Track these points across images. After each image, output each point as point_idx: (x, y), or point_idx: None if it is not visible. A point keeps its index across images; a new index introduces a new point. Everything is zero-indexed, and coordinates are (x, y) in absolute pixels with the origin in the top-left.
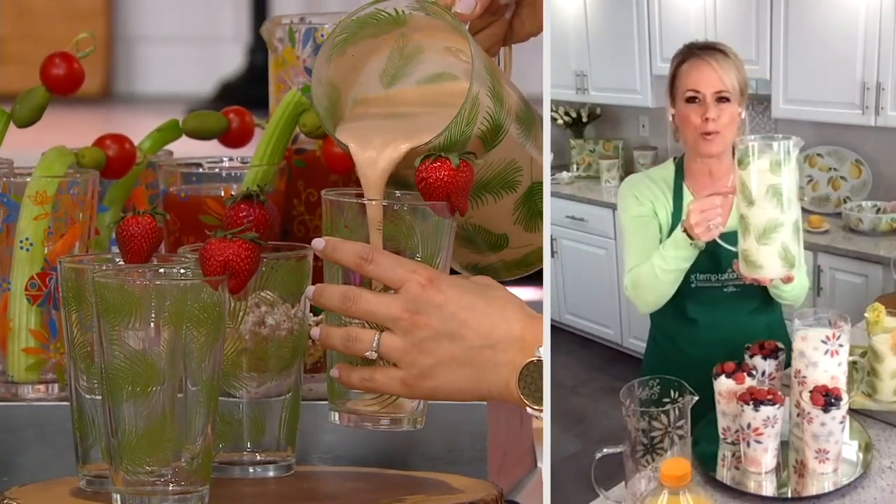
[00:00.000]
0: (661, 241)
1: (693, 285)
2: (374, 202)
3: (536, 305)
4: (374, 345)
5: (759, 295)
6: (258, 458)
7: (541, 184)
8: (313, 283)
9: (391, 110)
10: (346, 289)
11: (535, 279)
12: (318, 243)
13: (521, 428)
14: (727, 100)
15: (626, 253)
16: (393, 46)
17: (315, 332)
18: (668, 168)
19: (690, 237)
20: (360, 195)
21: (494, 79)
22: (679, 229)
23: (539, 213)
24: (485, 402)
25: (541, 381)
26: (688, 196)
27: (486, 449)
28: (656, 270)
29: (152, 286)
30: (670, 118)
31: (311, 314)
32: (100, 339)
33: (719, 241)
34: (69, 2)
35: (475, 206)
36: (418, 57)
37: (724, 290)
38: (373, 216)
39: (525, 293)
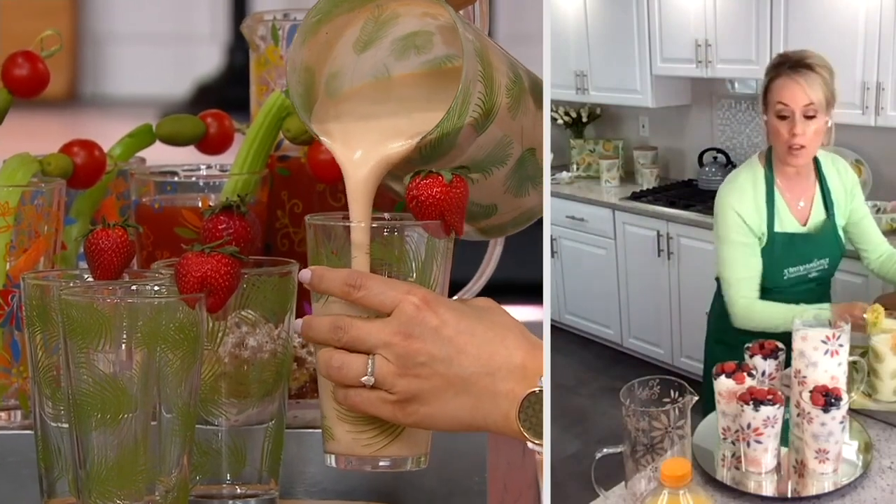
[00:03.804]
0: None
1: (785, 277)
2: (360, 225)
3: (538, 326)
4: (370, 370)
5: (830, 274)
6: (238, 490)
7: (531, 150)
8: (299, 301)
9: (378, 98)
10: (334, 318)
11: (535, 293)
12: (305, 275)
13: (522, 459)
14: (814, 114)
15: (731, 273)
16: (368, 17)
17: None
18: (756, 168)
19: None
20: (347, 217)
21: (484, 59)
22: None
23: (529, 179)
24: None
25: (542, 413)
26: (780, 200)
27: (486, 482)
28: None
29: (123, 305)
30: (763, 123)
31: (296, 335)
32: (66, 362)
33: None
34: None
35: None
36: (394, 21)
37: (809, 276)
38: (358, 241)
39: (526, 312)
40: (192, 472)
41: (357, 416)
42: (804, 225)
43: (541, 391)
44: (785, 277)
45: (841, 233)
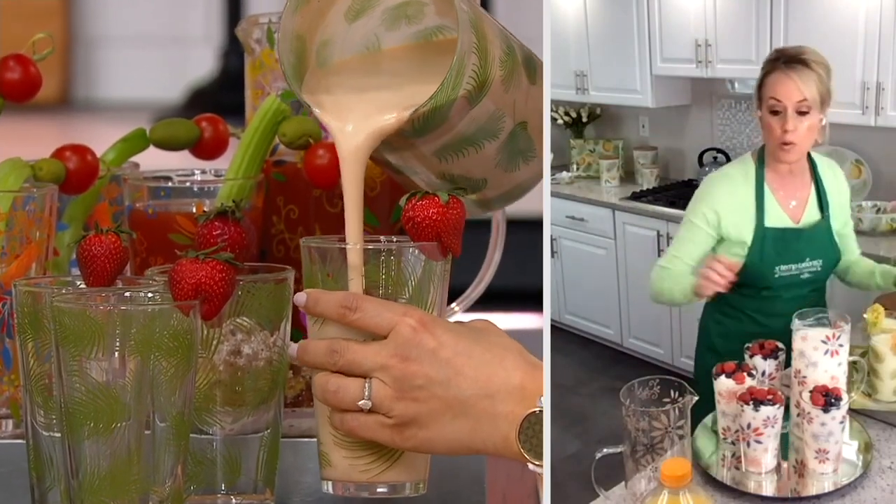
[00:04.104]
0: (712, 247)
1: (776, 276)
2: (354, 247)
3: (538, 333)
4: (366, 394)
5: (823, 277)
6: (233, 501)
7: (523, 124)
8: (294, 308)
9: (369, 70)
10: (330, 342)
11: (535, 299)
12: (300, 298)
13: (522, 471)
14: (807, 110)
15: (673, 248)
16: None
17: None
18: (748, 164)
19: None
20: (343, 240)
21: (479, 31)
22: (691, 291)
23: (520, 153)
24: None
25: (542, 433)
26: (770, 196)
27: (485, 493)
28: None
29: (117, 312)
30: (757, 118)
31: (292, 343)
32: (59, 370)
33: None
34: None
35: (455, 159)
36: None
37: (801, 276)
38: (352, 263)
39: (526, 319)
40: (186, 482)
41: (354, 442)
42: (797, 223)
43: (540, 412)
44: (776, 276)
45: (836, 236)
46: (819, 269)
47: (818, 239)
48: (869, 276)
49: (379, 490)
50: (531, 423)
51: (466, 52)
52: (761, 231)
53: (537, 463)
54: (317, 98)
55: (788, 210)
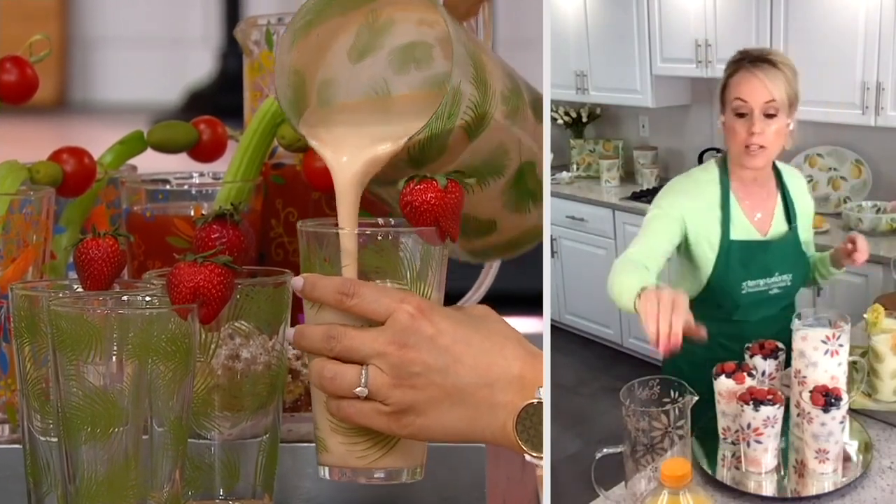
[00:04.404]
0: (676, 247)
1: (743, 292)
2: (348, 232)
3: (539, 337)
4: (363, 381)
5: (793, 292)
6: None
7: (531, 164)
8: (293, 312)
9: (376, 111)
10: (327, 328)
11: (535, 303)
12: (297, 283)
13: (522, 474)
14: (775, 113)
15: (634, 241)
16: (362, 22)
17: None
18: (712, 171)
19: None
20: None
21: (477, 62)
22: (633, 303)
23: (529, 194)
24: (483, 445)
25: (541, 425)
26: (736, 206)
27: (485, 497)
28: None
29: (114, 315)
30: (720, 125)
31: (291, 347)
32: (56, 374)
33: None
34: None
35: None
36: (389, 29)
37: (770, 292)
38: (347, 248)
39: (526, 323)
40: (184, 487)
41: (351, 428)
42: (764, 235)
43: (538, 403)
44: (743, 292)
45: (805, 249)
46: (789, 283)
47: (787, 252)
48: (814, 270)
49: (376, 476)
50: (529, 414)
51: (462, 80)
52: (726, 243)
53: (534, 454)
54: (314, 131)
55: (754, 221)
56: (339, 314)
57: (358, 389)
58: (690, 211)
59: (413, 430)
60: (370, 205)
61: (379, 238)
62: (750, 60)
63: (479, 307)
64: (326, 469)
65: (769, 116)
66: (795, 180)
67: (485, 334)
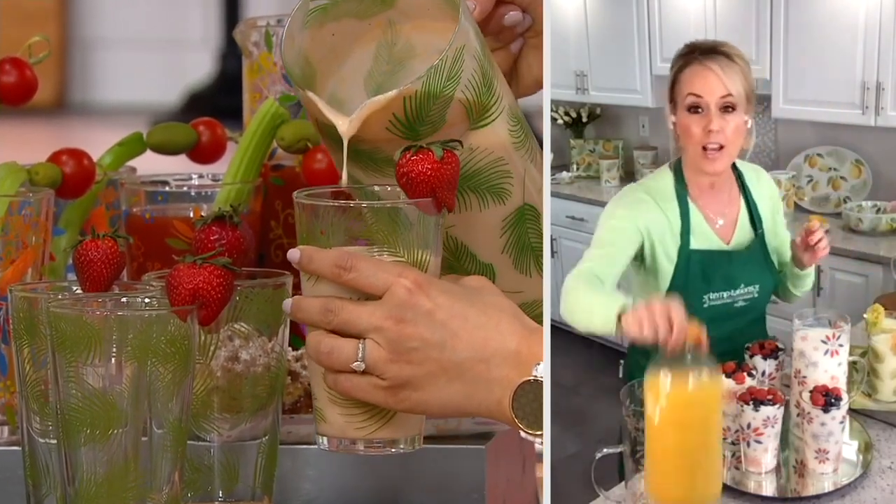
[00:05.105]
0: (633, 257)
1: (705, 305)
2: (345, 122)
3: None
4: (360, 355)
5: (762, 304)
6: None
7: (533, 208)
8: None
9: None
10: (325, 301)
11: None
12: (294, 254)
13: (522, 475)
14: (732, 108)
15: (587, 252)
16: (380, 42)
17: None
18: (666, 177)
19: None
20: (337, 195)
21: (486, 56)
22: (615, 325)
23: (531, 249)
24: (483, 447)
25: (537, 402)
26: (696, 213)
27: (485, 498)
28: (590, 316)
29: (113, 317)
30: (671, 126)
31: (290, 348)
32: (55, 376)
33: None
34: (19, 2)
35: (457, 209)
36: (408, 63)
37: (735, 305)
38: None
39: None
40: (183, 489)
41: (349, 399)
42: (727, 244)
43: (535, 381)
44: (705, 305)
45: (773, 256)
46: (756, 295)
47: (752, 261)
48: (786, 279)
49: (375, 444)
50: (525, 392)
51: (465, 42)
52: (685, 254)
53: (529, 431)
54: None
55: (716, 229)
56: (336, 286)
57: (355, 364)
58: (647, 220)
59: (409, 405)
60: None
61: (374, 209)
62: (701, 53)
63: (475, 278)
64: (325, 439)
65: (726, 111)
66: (756, 177)
67: (481, 308)
